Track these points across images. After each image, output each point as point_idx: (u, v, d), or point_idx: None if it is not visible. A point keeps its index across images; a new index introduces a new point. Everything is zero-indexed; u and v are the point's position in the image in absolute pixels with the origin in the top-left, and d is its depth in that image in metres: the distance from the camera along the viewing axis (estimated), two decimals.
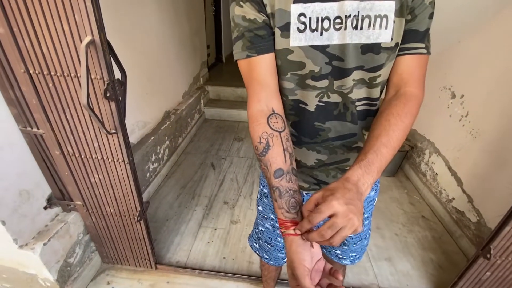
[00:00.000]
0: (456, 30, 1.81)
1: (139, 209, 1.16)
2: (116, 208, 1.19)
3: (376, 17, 0.51)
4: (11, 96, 0.93)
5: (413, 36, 0.54)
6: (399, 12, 0.51)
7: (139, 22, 1.78)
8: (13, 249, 1.05)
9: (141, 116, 1.95)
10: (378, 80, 0.57)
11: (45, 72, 0.87)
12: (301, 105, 0.62)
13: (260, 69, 0.56)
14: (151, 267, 1.42)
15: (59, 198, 1.21)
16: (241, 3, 0.53)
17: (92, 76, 0.85)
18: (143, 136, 1.98)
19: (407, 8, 0.52)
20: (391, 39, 0.53)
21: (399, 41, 0.54)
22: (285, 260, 0.91)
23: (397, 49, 0.55)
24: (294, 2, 0.51)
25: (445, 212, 1.86)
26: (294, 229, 0.48)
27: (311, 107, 0.61)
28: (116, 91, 0.89)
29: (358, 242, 0.85)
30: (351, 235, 0.76)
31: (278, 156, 0.53)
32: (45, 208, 1.17)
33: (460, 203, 1.74)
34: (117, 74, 0.93)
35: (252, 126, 0.56)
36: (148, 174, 1.96)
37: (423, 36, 0.55)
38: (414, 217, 1.94)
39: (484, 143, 1.61)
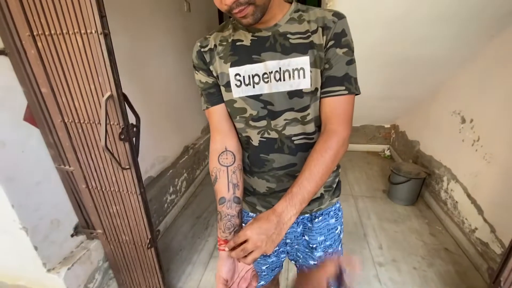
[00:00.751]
0: (459, 55, 1.84)
1: (149, 236, 1.27)
2: (130, 237, 1.31)
3: (294, 70, 0.64)
4: (50, 140, 1.15)
5: (332, 81, 0.65)
6: (314, 64, 0.64)
7: (161, 72, 2.07)
8: (41, 273, 1.20)
9: (161, 151, 2.15)
10: (309, 117, 0.69)
11: (76, 121, 1.08)
12: (250, 140, 0.75)
13: (215, 117, 0.74)
14: None
15: (84, 227, 1.37)
16: (196, 71, 0.73)
17: (111, 122, 1.04)
18: (162, 170, 2.17)
19: (320, 60, 0.64)
20: (311, 85, 0.65)
21: (318, 86, 0.66)
22: (267, 274, 0.94)
23: (318, 92, 0.67)
24: (231, 66, 0.67)
25: (469, 244, 1.73)
26: (224, 247, 0.64)
27: (256, 142, 0.74)
28: (130, 134, 1.06)
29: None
30: (317, 264, 0.85)
31: (223, 187, 0.71)
32: (72, 235, 1.33)
33: (483, 234, 1.62)
34: (133, 120, 1.13)
35: (209, 162, 0.76)
36: (166, 205, 2.10)
37: (342, 80, 0.64)
38: (435, 249, 1.82)
39: (498, 167, 1.54)
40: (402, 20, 1.61)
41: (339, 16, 0.64)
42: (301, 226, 0.85)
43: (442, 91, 2.21)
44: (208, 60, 0.70)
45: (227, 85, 0.69)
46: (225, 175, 0.72)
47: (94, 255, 1.38)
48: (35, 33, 0.95)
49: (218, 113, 0.74)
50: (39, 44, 0.97)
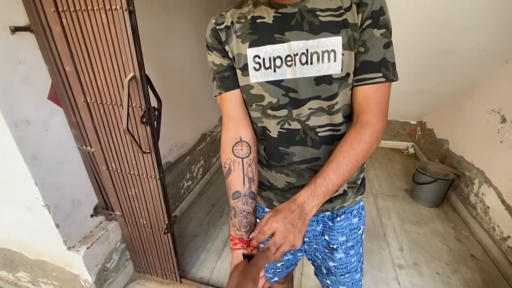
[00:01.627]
0: (502, 50, 1.67)
1: (167, 222, 1.27)
2: (147, 220, 1.31)
3: (323, 52, 0.56)
4: (72, 120, 1.15)
5: (368, 67, 0.58)
6: (347, 46, 0.56)
7: (182, 56, 2.03)
8: (62, 250, 1.22)
9: (180, 138, 2.14)
10: (336, 107, 0.62)
11: (99, 101, 1.06)
12: (267, 131, 0.68)
13: (228, 104, 0.67)
14: (176, 281, 1.50)
15: (103, 208, 1.39)
16: (209, 52, 0.66)
17: (133, 105, 1.01)
18: (180, 156, 2.16)
19: (354, 41, 0.56)
20: (341, 70, 0.57)
21: (350, 71, 0.58)
22: (282, 271, 0.90)
23: (349, 78, 0.59)
24: (249, 47, 0.60)
25: (499, 252, 1.61)
26: (240, 246, 0.59)
27: (274, 134, 0.67)
28: (151, 117, 1.04)
29: (347, 275, 0.81)
30: (337, 266, 0.79)
31: (237, 180, 0.64)
32: (92, 215, 1.34)
33: None
34: (155, 103, 1.09)
35: (221, 153, 0.68)
36: (182, 191, 2.11)
37: (379, 66, 0.57)
38: (461, 255, 1.71)
39: None
40: (445, 7, 1.46)
41: None
42: (321, 225, 0.79)
43: (479, 87, 2.03)
44: (223, 39, 0.63)
45: (244, 68, 0.61)
46: (240, 168, 0.65)
47: (112, 236, 1.40)
48: (60, 9, 0.93)
49: (232, 99, 0.66)
50: (64, 20, 0.94)
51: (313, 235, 0.81)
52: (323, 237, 0.81)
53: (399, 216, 2.08)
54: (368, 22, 0.56)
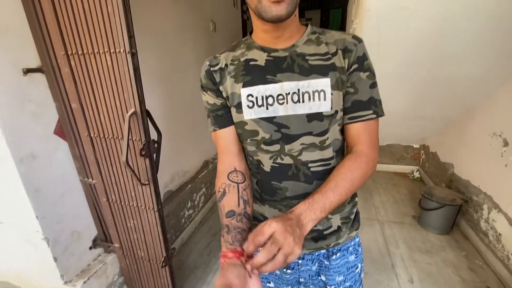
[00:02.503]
0: (495, 75, 1.71)
1: (164, 255, 1.25)
2: (146, 253, 1.30)
3: (314, 92, 0.61)
4: (76, 153, 1.19)
5: (359, 106, 0.64)
6: (335, 86, 0.61)
7: (183, 88, 2.12)
8: (59, 284, 1.20)
9: (181, 166, 2.17)
10: (327, 142, 0.65)
11: (101, 135, 1.10)
12: (261, 165, 0.69)
13: (222, 140, 0.71)
14: None
15: (103, 240, 1.38)
16: (203, 92, 0.70)
17: (133, 138, 1.05)
18: (181, 184, 2.17)
19: (342, 82, 0.62)
20: (331, 108, 0.62)
21: (338, 109, 0.63)
22: None
23: (337, 115, 0.64)
24: (243, 87, 0.64)
25: None
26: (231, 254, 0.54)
27: (267, 168, 0.69)
28: (151, 150, 1.07)
29: None
30: None
31: (232, 201, 0.64)
32: (90, 248, 1.34)
33: None
34: (155, 136, 1.14)
35: (216, 182, 0.70)
36: (183, 220, 2.09)
37: (369, 104, 0.63)
38: (475, 287, 1.61)
39: None
40: (433, 38, 1.53)
41: (358, 39, 0.63)
42: (316, 264, 0.77)
43: (479, 111, 2.05)
44: (218, 80, 0.66)
45: (238, 106, 0.65)
46: (235, 191, 0.65)
47: (110, 269, 1.38)
48: (69, 52, 1.01)
49: (226, 136, 0.70)
50: (72, 62, 1.02)
51: (309, 275, 0.78)
52: (319, 278, 0.78)
53: (408, 244, 2.00)
54: (355, 66, 0.62)
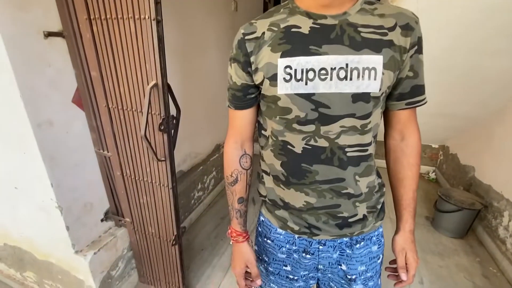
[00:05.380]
0: None
1: (175, 233, 1.23)
2: (156, 229, 1.29)
3: (364, 69, 0.55)
4: (93, 124, 1.16)
5: (418, 91, 0.62)
6: (388, 65, 0.56)
7: (202, 68, 2.06)
8: (70, 253, 1.21)
9: (194, 147, 2.14)
10: (369, 126, 0.61)
11: (119, 107, 1.07)
12: (289, 146, 0.64)
13: (238, 120, 0.71)
14: None
15: (114, 213, 1.38)
16: (230, 62, 0.65)
17: (152, 112, 1.01)
18: (193, 165, 2.15)
19: (396, 62, 0.56)
20: (380, 89, 0.56)
21: (385, 91, 0.59)
22: None
23: (382, 98, 0.60)
24: (281, 57, 0.57)
25: None
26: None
27: (298, 149, 0.63)
28: (169, 125, 1.03)
29: None
30: None
31: (243, 188, 0.74)
32: (102, 220, 1.34)
33: None
34: (174, 111, 1.10)
35: (226, 161, 0.74)
36: (193, 201, 2.09)
37: (424, 88, 0.63)
38: None
39: None
40: (475, 28, 1.41)
41: (417, 17, 0.58)
42: (337, 252, 0.73)
43: (510, 112, 1.92)
44: (250, 49, 0.60)
45: (273, 78, 0.58)
46: (245, 178, 0.74)
47: (120, 242, 1.38)
48: (92, 17, 0.96)
49: (241, 118, 0.70)
50: (94, 28, 0.98)
51: (329, 262, 0.75)
52: (339, 267, 0.75)
53: (420, 245, 1.95)
54: (416, 47, 0.57)
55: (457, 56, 1.61)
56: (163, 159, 1.08)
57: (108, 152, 1.21)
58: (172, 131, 1.09)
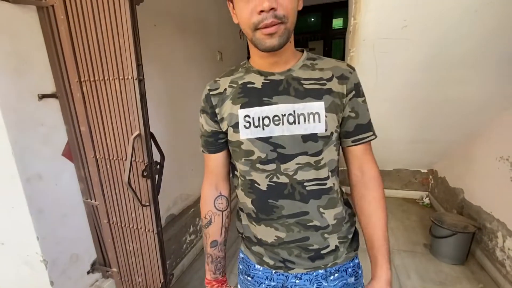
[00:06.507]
0: (498, 99, 1.72)
1: (162, 280, 1.21)
2: (143, 278, 1.26)
3: (309, 114, 0.64)
4: (81, 175, 1.22)
5: (362, 129, 0.70)
6: (329, 109, 0.65)
7: (189, 114, 2.20)
8: None
9: (185, 189, 2.17)
10: (322, 162, 0.67)
11: (106, 157, 1.14)
12: (255, 184, 0.70)
13: (212, 163, 0.77)
14: None
15: (101, 264, 1.36)
16: (200, 113, 0.75)
17: (136, 159, 1.08)
18: (184, 208, 2.16)
19: (336, 106, 0.66)
20: (326, 130, 0.65)
21: (333, 131, 0.66)
22: None
23: (333, 137, 0.67)
24: (240, 108, 0.67)
25: None
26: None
27: (263, 187, 0.69)
28: (153, 171, 1.09)
29: None
30: None
31: (216, 231, 0.77)
32: (88, 272, 1.31)
33: None
34: (159, 158, 1.17)
35: (201, 203, 0.79)
36: (185, 246, 2.04)
37: (368, 126, 0.70)
38: None
39: None
40: (429, 64, 1.57)
41: (352, 67, 0.69)
42: (314, 285, 0.74)
43: (484, 135, 2.03)
44: (215, 103, 0.70)
45: (235, 126, 0.68)
46: (220, 220, 0.77)
47: None
48: (82, 79, 1.08)
49: (214, 161, 0.76)
50: (84, 88, 1.09)
51: None
52: None
53: (420, 275, 1.88)
54: (353, 93, 0.67)
55: (421, 88, 1.76)
56: (147, 204, 1.11)
57: (95, 201, 1.24)
58: (156, 176, 1.15)
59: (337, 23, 5.04)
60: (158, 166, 1.15)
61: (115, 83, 1.03)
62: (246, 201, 0.74)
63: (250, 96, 0.67)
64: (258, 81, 0.68)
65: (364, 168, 0.72)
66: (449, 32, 1.39)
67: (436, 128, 2.16)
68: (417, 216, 2.71)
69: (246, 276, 0.80)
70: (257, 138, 0.66)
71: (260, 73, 0.68)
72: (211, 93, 0.71)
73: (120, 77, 1.01)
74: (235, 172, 0.77)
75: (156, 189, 1.13)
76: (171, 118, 1.94)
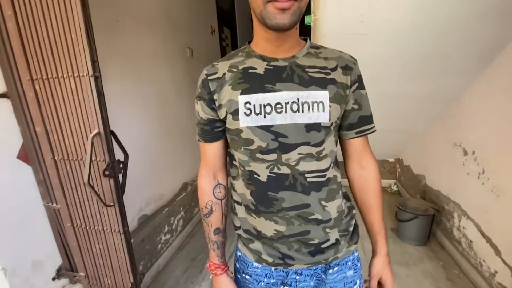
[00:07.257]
0: (450, 91, 1.86)
1: (132, 281, 1.20)
2: (113, 280, 1.24)
3: (313, 103, 0.62)
4: (40, 178, 1.17)
5: (365, 120, 0.71)
6: (333, 99, 0.64)
7: (163, 111, 2.16)
8: None
9: (158, 189, 2.13)
10: (324, 152, 0.66)
11: (65, 158, 1.10)
12: (255, 175, 0.67)
13: (207, 153, 0.74)
14: None
15: (68, 269, 1.31)
16: (196, 100, 0.70)
17: (97, 159, 1.05)
18: (158, 208, 2.12)
19: (341, 97, 0.65)
20: (329, 120, 0.63)
21: (334, 121, 0.66)
22: None
23: (333, 127, 0.67)
24: (241, 94, 0.63)
25: None
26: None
27: (263, 178, 0.67)
28: (115, 170, 1.07)
29: None
30: None
31: (218, 219, 0.76)
32: (54, 278, 1.26)
33: (503, 278, 1.45)
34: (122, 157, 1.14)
35: (200, 193, 0.77)
36: (159, 246, 2.02)
37: (370, 118, 0.72)
38: None
39: (509, 201, 1.43)
40: (387, 59, 1.67)
41: (354, 59, 0.69)
42: (314, 279, 0.74)
43: (440, 123, 2.19)
44: (213, 88, 0.66)
45: (235, 113, 0.64)
46: (220, 208, 0.76)
47: None
48: (34, 77, 1.03)
49: (210, 150, 0.73)
50: (37, 87, 1.04)
51: None
52: None
53: None
54: (357, 84, 0.67)
55: (382, 82, 1.85)
56: (111, 204, 1.09)
57: (57, 204, 1.20)
58: (120, 175, 1.13)
59: (309, 19, 5.13)
60: (121, 165, 1.13)
61: (69, 81, 1.00)
62: (245, 192, 0.71)
63: (252, 82, 0.63)
64: (260, 67, 0.64)
65: (363, 162, 0.74)
66: (403, 29, 1.47)
67: (399, 118, 2.29)
68: (386, 203, 2.84)
69: (244, 275, 0.77)
70: (257, 126, 0.63)
71: (262, 58, 0.64)
72: (209, 78, 0.66)
73: (75, 75, 0.98)
74: (233, 162, 0.73)
75: (120, 188, 1.11)
76: (143, 118, 1.90)
